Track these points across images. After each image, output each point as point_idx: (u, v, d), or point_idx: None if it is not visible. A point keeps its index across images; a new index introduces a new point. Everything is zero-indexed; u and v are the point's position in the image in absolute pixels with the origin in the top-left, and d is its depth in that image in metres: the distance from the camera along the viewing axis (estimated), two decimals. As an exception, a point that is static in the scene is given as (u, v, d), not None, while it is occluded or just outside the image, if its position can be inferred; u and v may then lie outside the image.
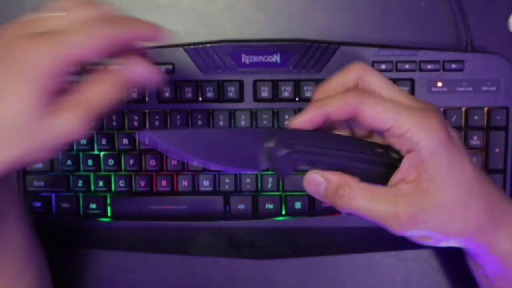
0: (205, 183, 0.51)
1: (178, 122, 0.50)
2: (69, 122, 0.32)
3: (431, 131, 0.33)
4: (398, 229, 0.34)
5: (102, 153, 0.51)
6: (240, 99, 0.51)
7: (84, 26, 0.32)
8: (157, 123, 0.51)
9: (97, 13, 0.33)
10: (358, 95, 0.34)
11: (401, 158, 0.34)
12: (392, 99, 0.34)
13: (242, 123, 0.50)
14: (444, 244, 0.35)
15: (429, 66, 0.50)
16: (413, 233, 0.35)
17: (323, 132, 0.36)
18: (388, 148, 0.35)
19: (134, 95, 0.51)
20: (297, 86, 0.50)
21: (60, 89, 0.32)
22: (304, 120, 0.35)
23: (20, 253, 0.41)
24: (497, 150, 0.50)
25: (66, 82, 0.32)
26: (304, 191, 0.51)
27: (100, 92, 0.33)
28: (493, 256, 0.36)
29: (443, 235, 0.34)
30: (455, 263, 0.53)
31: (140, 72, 0.34)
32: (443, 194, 0.33)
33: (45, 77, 0.31)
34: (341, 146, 0.35)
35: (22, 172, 0.51)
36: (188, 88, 0.50)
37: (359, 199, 0.34)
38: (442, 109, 0.50)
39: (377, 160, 0.35)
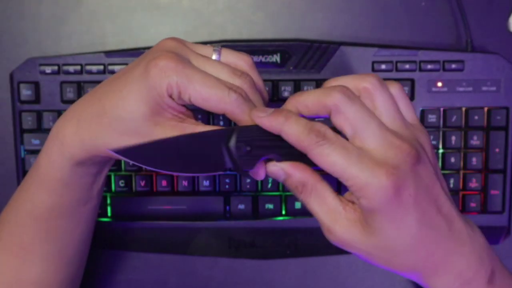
0: (205, 183, 0.51)
1: (178, 122, 0.50)
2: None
3: (373, 193, 0.31)
4: (330, 240, 0.35)
5: (102, 153, 0.51)
6: (240, 99, 0.51)
7: (229, 86, 0.35)
8: (157, 123, 0.51)
9: (249, 85, 0.37)
10: (337, 97, 0.33)
11: None
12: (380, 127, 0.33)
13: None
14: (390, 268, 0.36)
15: (429, 66, 0.50)
16: (348, 245, 0.35)
17: None
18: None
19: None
20: (297, 86, 0.50)
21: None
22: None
23: (84, 236, 0.44)
24: (497, 150, 0.50)
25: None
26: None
27: None
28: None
29: (380, 262, 0.35)
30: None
31: None
32: (376, 238, 0.33)
33: (164, 97, 0.35)
34: None
35: (22, 172, 0.51)
36: (188, 88, 0.50)
37: (312, 202, 0.35)
38: (442, 109, 0.50)
39: None
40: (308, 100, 0.34)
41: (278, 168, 0.35)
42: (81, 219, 0.42)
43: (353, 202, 0.34)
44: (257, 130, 0.34)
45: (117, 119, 0.35)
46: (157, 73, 0.34)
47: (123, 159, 0.36)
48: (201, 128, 0.35)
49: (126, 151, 0.35)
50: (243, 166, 0.35)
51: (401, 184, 0.32)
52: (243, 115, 0.35)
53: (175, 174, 0.36)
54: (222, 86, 0.35)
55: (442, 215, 0.33)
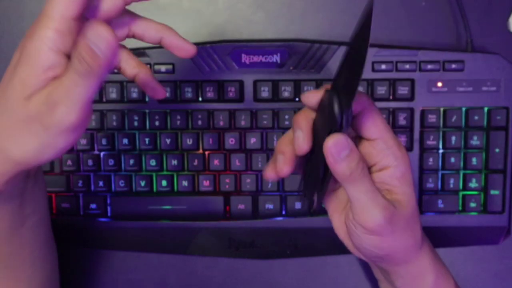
0: (205, 183, 0.51)
1: (178, 122, 0.50)
2: (59, 120, 0.31)
3: (405, 156, 0.37)
4: (376, 221, 0.36)
5: (102, 153, 0.51)
6: (240, 99, 0.51)
7: None
8: (157, 123, 0.51)
9: None
10: (370, 98, 0.37)
11: None
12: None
13: (242, 123, 0.50)
14: (378, 256, 0.39)
15: (429, 66, 0.50)
16: (382, 228, 0.36)
17: None
18: None
19: (134, 95, 0.51)
20: (297, 86, 0.50)
21: (58, 71, 0.32)
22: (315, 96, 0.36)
23: (37, 253, 0.41)
24: (497, 150, 0.50)
25: (65, 62, 0.32)
26: (304, 191, 0.51)
27: (74, 83, 0.31)
28: (411, 269, 0.40)
29: (390, 243, 0.37)
30: (454, 263, 0.53)
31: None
32: (409, 207, 0.37)
33: (43, 60, 0.31)
34: None
35: (22, 172, 0.51)
36: (188, 88, 0.50)
37: (369, 180, 0.36)
38: (442, 109, 0.50)
39: None
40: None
41: (347, 142, 0.34)
42: (23, 240, 0.39)
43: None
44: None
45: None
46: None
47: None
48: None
49: None
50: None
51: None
52: None
53: None
54: None
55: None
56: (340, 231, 0.41)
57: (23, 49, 0.32)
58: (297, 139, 0.36)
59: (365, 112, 0.36)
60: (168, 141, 0.51)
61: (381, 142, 0.36)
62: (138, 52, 0.50)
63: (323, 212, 0.52)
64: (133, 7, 0.54)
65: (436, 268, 0.41)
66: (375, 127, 0.36)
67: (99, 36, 0.29)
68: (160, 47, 0.51)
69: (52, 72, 0.31)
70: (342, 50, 0.50)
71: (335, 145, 0.34)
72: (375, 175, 0.37)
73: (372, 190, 0.36)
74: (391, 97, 0.50)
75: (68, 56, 0.32)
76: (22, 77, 0.31)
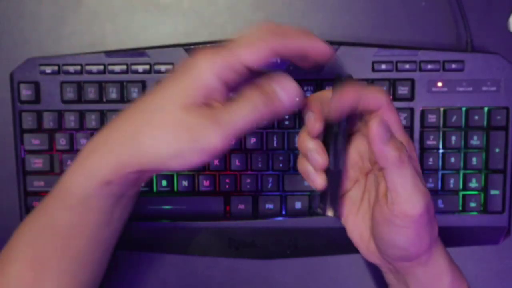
0: (205, 183, 0.51)
1: (178, 122, 0.50)
2: (210, 138, 0.33)
3: (415, 158, 0.38)
4: (419, 209, 0.36)
5: (102, 153, 0.51)
6: (240, 99, 0.51)
7: (252, 37, 0.35)
8: (157, 123, 0.51)
9: (269, 27, 0.36)
10: (388, 98, 0.38)
11: None
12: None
13: (242, 123, 0.50)
14: (394, 254, 0.39)
15: (429, 66, 0.50)
16: (421, 215, 0.37)
17: None
18: None
19: (134, 95, 0.51)
20: (297, 86, 0.50)
21: (216, 97, 0.34)
22: (340, 99, 0.37)
23: (105, 256, 0.43)
24: (497, 150, 0.50)
25: (223, 93, 0.35)
26: (304, 191, 0.51)
27: (244, 113, 0.34)
28: (428, 270, 0.40)
29: (424, 235, 0.38)
30: (455, 263, 0.53)
31: (290, 98, 0.35)
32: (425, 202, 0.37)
33: (204, 78, 0.34)
34: None
35: (22, 172, 0.51)
36: (188, 88, 0.50)
37: (407, 170, 0.35)
38: (442, 109, 0.50)
39: None
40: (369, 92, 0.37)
41: (386, 122, 0.35)
42: (100, 242, 0.41)
43: None
44: None
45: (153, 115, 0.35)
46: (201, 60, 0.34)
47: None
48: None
49: None
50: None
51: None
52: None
53: None
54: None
55: None
56: (355, 234, 0.41)
57: (190, 64, 0.34)
58: (308, 119, 0.37)
59: (383, 109, 0.37)
60: (168, 141, 0.51)
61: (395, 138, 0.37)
62: (138, 52, 0.50)
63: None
64: (133, 7, 0.54)
65: (452, 269, 0.40)
66: (390, 125, 0.37)
67: (291, 88, 0.34)
68: (160, 47, 0.51)
69: (210, 94, 0.34)
70: (342, 50, 0.50)
71: (381, 126, 0.35)
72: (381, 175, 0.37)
73: (416, 175, 0.36)
74: (391, 97, 0.50)
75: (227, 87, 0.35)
76: (184, 87, 0.34)
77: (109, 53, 0.51)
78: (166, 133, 0.34)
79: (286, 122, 0.50)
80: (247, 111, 0.33)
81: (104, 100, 0.51)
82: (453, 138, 0.50)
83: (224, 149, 0.33)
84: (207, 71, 0.34)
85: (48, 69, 0.51)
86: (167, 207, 0.52)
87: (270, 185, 0.51)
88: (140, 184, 0.40)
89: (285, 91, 0.34)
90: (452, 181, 0.51)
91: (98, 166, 0.36)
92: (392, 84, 0.50)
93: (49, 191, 0.51)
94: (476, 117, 0.50)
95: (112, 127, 0.37)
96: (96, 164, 0.36)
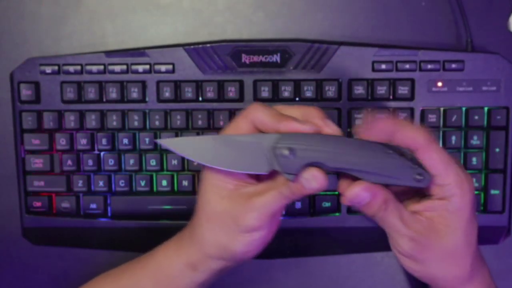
0: (205, 183, 0.51)
1: (178, 122, 0.50)
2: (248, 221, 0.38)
3: (466, 191, 0.37)
4: (404, 248, 0.38)
5: (102, 153, 0.51)
6: (240, 99, 0.51)
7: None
8: (157, 123, 0.51)
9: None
10: (429, 137, 0.37)
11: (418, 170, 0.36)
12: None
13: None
14: (425, 277, 0.39)
15: (429, 66, 0.50)
16: (411, 257, 0.38)
17: (330, 135, 0.37)
18: (397, 149, 0.36)
19: (134, 95, 0.51)
20: (297, 86, 0.50)
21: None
22: (369, 132, 0.37)
23: None
24: (497, 150, 0.50)
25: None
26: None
27: (272, 199, 0.38)
28: None
29: (431, 270, 0.38)
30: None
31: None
32: (451, 239, 0.37)
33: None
34: (349, 147, 0.36)
35: (22, 172, 0.51)
36: (188, 88, 0.50)
37: (393, 216, 0.37)
38: (442, 109, 0.50)
39: (388, 161, 0.36)
40: (408, 129, 0.36)
41: (363, 189, 0.36)
42: None
43: (417, 212, 0.38)
44: (300, 136, 0.36)
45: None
46: None
47: (178, 153, 0.38)
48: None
49: (172, 143, 0.38)
50: (286, 169, 0.36)
51: (474, 192, 0.38)
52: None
53: (220, 168, 0.38)
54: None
55: None
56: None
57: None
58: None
59: (421, 150, 0.36)
60: (168, 141, 0.51)
61: (439, 178, 0.36)
62: (138, 52, 0.50)
63: (324, 212, 0.52)
64: (133, 7, 0.54)
65: None
66: (432, 167, 0.36)
67: (315, 178, 0.36)
68: (160, 47, 0.51)
69: (240, 183, 0.38)
70: (342, 50, 0.50)
71: (352, 199, 0.36)
72: (429, 201, 0.37)
73: (396, 224, 0.37)
74: (391, 97, 0.50)
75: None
76: (214, 182, 0.38)
77: (109, 53, 0.51)
78: (213, 224, 0.39)
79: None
80: (275, 198, 0.37)
81: (104, 100, 0.51)
82: (453, 138, 0.50)
83: (266, 226, 0.38)
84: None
85: (48, 69, 0.51)
86: (167, 207, 0.52)
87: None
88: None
89: (313, 181, 0.36)
90: (452, 181, 0.50)
91: (187, 250, 0.40)
92: (392, 84, 0.50)
93: (49, 191, 0.52)
94: (476, 117, 0.50)
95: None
96: (186, 248, 0.40)
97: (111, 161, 0.51)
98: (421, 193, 0.38)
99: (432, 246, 0.37)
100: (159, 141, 0.39)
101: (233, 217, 0.37)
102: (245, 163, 0.37)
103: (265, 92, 0.50)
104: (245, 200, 0.37)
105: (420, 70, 0.50)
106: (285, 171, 0.36)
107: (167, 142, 0.38)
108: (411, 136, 0.36)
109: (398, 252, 0.39)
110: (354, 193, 0.36)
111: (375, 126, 0.37)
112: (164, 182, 0.51)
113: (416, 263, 0.38)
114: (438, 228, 0.37)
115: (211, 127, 0.51)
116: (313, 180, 0.36)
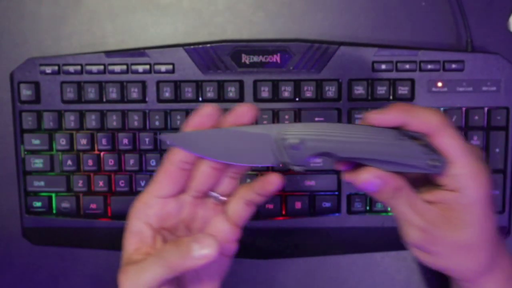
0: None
1: (178, 122, 0.50)
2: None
3: (480, 184, 0.35)
4: (414, 239, 0.37)
5: (102, 153, 0.51)
6: (240, 99, 0.51)
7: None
8: (157, 123, 0.51)
9: None
10: (443, 120, 0.35)
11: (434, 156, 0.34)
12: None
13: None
14: (439, 268, 0.38)
15: (429, 66, 0.50)
16: (421, 247, 0.37)
17: (339, 123, 0.36)
18: (410, 134, 0.35)
19: (134, 95, 0.51)
20: (297, 86, 0.50)
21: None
22: (382, 117, 0.35)
23: None
24: (497, 150, 0.50)
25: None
26: (304, 191, 0.51)
27: (154, 268, 0.36)
28: None
29: (442, 262, 0.37)
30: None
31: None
32: (463, 233, 0.36)
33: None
34: (359, 135, 0.34)
35: (22, 172, 0.51)
36: (188, 88, 0.50)
37: (404, 205, 0.36)
38: (442, 109, 0.50)
39: (400, 147, 0.34)
40: (420, 112, 0.34)
41: (374, 176, 0.35)
42: None
43: (430, 202, 0.36)
44: (308, 126, 0.35)
45: None
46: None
47: (183, 149, 0.36)
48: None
49: (174, 137, 0.36)
50: (294, 161, 0.35)
51: (491, 186, 0.36)
52: None
53: (222, 162, 0.37)
54: None
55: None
56: None
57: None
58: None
59: (435, 135, 0.34)
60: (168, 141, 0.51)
61: (453, 167, 0.35)
62: (138, 52, 0.50)
63: (324, 212, 0.52)
64: (133, 7, 0.54)
65: None
66: (446, 153, 0.35)
67: (203, 248, 0.34)
68: (160, 47, 0.51)
69: (140, 242, 0.37)
70: (342, 50, 0.50)
71: (362, 186, 0.35)
72: (440, 192, 0.36)
73: (408, 213, 0.36)
74: (391, 97, 0.50)
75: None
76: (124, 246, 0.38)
77: (109, 53, 0.51)
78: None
79: (286, 122, 0.50)
80: (157, 266, 0.35)
81: (104, 100, 0.51)
82: (453, 138, 0.50)
83: None
84: (135, 220, 0.38)
85: (48, 69, 0.51)
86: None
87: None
88: None
89: (200, 248, 0.34)
90: (452, 181, 0.51)
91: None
92: (392, 84, 0.50)
93: (49, 191, 0.52)
94: (476, 117, 0.50)
95: None
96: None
97: (111, 161, 0.51)
98: (435, 182, 0.36)
99: (444, 238, 0.36)
100: (162, 137, 0.38)
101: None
102: (251, 156, 0.35)
103: (265, 92, 0.50)
104: (136, 264, 0.36)
105: (420, 70, 0.50)
106: (294, 163, 0.35)
107: (171, 137, 0.36)
108: (425, 120, 0.34)
109: (409, 242, 0.37)
110: (364, 179, 0.35)
111: (386, 112, 0.35)
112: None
113: (427, 254, 0.37)
114: (450, 220, 0.36)
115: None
116: (368, 182, 0.35)
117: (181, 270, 0.35)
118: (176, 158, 0.36)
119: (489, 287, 0.38)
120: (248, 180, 0.51)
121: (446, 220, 0.36)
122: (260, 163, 0.36)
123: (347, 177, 0.36)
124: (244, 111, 0.36)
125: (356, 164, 0.36)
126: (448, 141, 0.34)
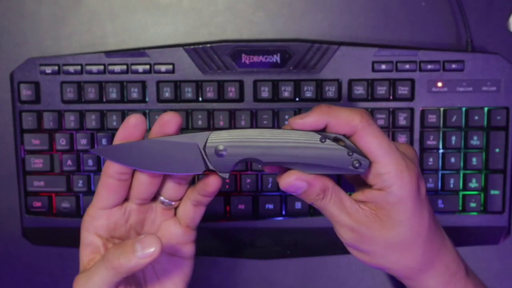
0: (205, 183, 0.51)
1: (178, 122, 0.50)
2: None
3: (406, 182, 0.35)
4: (346, 239, 0.37)
5: (102, 153, 0.51)
6: (240, 99, 0.51)
7: None
8: (157, 123, 0.51)
9: None
10: (364, 119, 0.35)
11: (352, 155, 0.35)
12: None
13: (242, 123, 0.50)
14: (376, 267, 0.38)
15: (429, 66, 0.50)
16: (354, 247, 0.37)
17: (264, 129, 0.36)
18: (332, 137, 0.35)
19: (134, 95, 0.51)
20: (297, 86, 0.50)
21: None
22: (304, 122, 0.35)
23: None
24: (497, 150, 0.50)
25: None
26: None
27: (100, 272, 0.36)
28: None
29: (378, 261, 0.37)
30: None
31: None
32: (394, 232, 0.36)
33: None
34: (282, 139, 0.35)
35: (22, 172, 0.51)
36: (188, 88, 0.50)
37: (332, 205, 0.36)
38: (442, 109, 0.50)
39: (323, 150, 0.35)
40: (341, 113, 0.35)
41: (296, 179, 0.35)
42: None
43: (363, 202, 0.36)
44: (232, 133, 0.35)
45: None
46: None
47: (112, 161, 0.37)
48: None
49: (104, 150, 0.37)
50: (219, 168, 0.35)
51: (419, 175, 0.36)
52: None
53: (153, 172, 0.37)
54: None
55: (434, 215, 0.39)
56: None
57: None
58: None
59: (357, 135, 0.35)
60: (168, 141, 0.51)
61: (377, 166, 0.35)
62: (138, 52, 0.50)
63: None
64: (133, 7, 0.54)
65: None
66: (369, 152, 0.35)
67: (146, 248, 0.34)
68: (160, 47, 0.51)
69: (93, 253, 0.38)
70: (342, 50, 0.50)
71: (290, 186, 0.35)
72: (370, 191, 0.36)
73: (337, 214, 0.36)
74: (391, 97, 0.50)
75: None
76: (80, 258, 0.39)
77: (109, 53, 0.51)
78: None
79: (286, 122, 0.50)
80: (103, 269, 0.35)
81: (104, 100, 0.51)
82: (453, 138, 0.50)
83: None
84: (85, 230, 0.39)
85: (48, 69, 0.51)
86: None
87: (270, 185, 0.51)
88: None
89: (143, 248, 0.35)
90: (452, 181, 0.51)
91: None
92: (392, 84, 0.50)
93: (49, 191, 0.52)
94: (476, 117, 0.50)
95: None
96: None
97: (111, 161, 0.51)
98: (367, 183, 0.36)
99: (375, 237, 0.36)
100: (92, 150, 0.39)
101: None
102: (181, 165, 0.36)
103: (265, 92, 0.50)
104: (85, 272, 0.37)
105: (420, 70, 0.50)
106: (219, 170, 0.35)
107: (100, 151, 0.37)
108: (345, 120, 0.34)
109: (343, 242, 0.38)
110: (287, 183, 0.35)
111: (308, 115, 0.35)
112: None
113: (363, 253, 0.37)
114: (381, 219, 0.36)
115: (211, 127, 0.51)
116: (294, 186, 0.35)
117: (127, 271, 0.35)
118: (111, 170, 0.37)
119: (432, 283, 0.38)
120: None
121: (377, 219, 0.36)
122: (191, 171, 0.36)
123: (277, 180, 0.37)
124: (168, 119, 0.36)
125: (284, 168, 0.36)
126: (370, 140, 0.34)
